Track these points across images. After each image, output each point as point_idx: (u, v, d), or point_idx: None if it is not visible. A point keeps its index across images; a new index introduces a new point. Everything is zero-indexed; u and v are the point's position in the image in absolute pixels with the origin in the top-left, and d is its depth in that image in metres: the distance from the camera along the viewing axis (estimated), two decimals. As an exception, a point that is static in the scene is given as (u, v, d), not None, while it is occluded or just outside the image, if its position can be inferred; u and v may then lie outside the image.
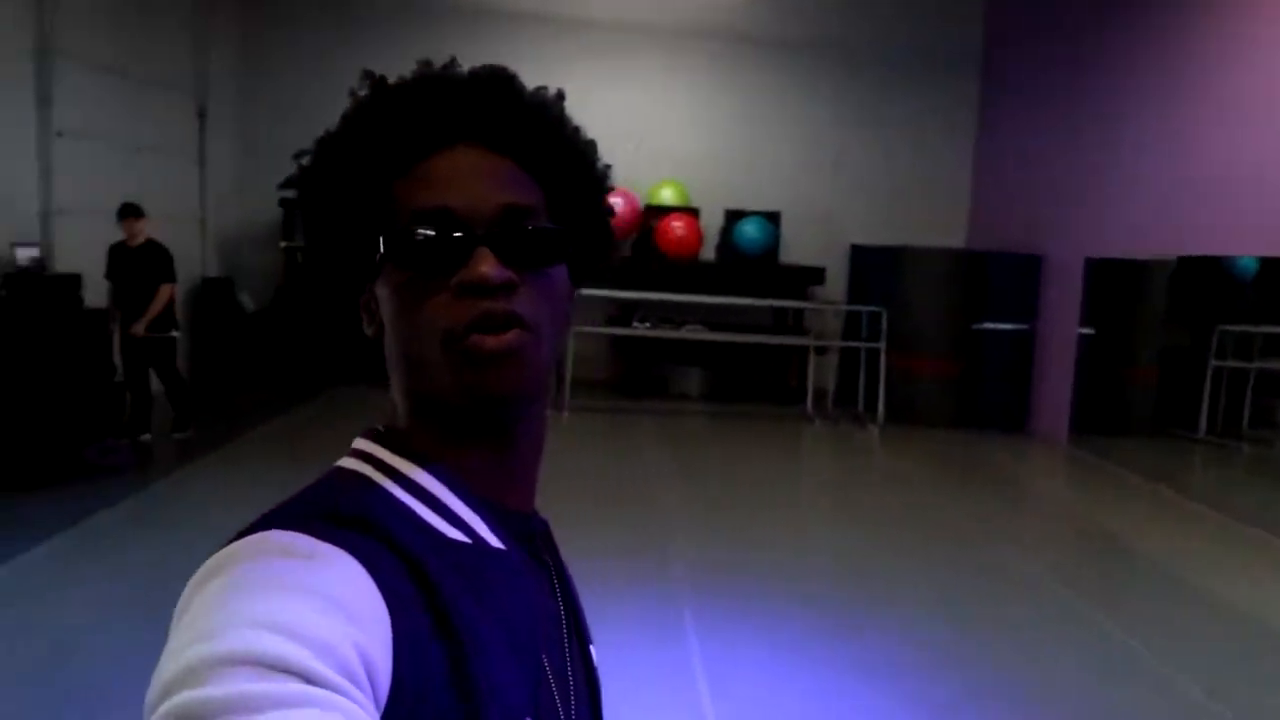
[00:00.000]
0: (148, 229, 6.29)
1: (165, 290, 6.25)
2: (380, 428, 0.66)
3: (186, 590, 0.50)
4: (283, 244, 8.94)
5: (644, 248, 9.36)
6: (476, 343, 0.58)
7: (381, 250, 0.61)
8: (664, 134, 9.72)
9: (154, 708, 0.42)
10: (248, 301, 9.31)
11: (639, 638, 3.63)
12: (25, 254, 6.03)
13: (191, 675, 0.42)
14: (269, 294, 9.20)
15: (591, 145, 0.70)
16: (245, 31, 9.44)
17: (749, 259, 9.36)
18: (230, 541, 0.53)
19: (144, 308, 6.18)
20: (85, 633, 3.44)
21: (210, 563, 0.51)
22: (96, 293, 6.36)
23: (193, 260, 8.69)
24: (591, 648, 0.73)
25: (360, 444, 0.65)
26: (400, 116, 0.62)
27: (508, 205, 0.61)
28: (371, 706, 0.46)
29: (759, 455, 7.37)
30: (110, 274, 6.24)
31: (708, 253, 9.63)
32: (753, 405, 8.92)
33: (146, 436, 6.32)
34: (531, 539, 0.67)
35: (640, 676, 3.28)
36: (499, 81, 0.65)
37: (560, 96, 0.69)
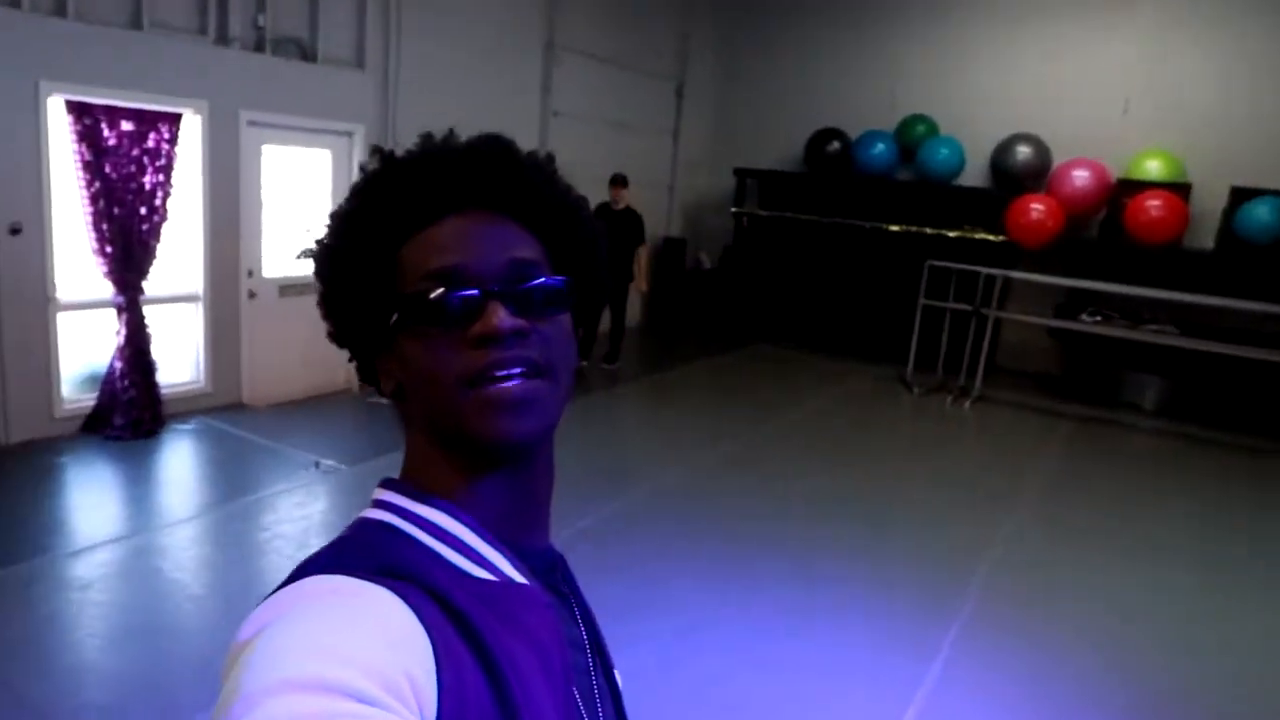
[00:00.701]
0: (628, 197, 7.48)
1: (643, 251, 7.43)
2: (398, 478, 0.70)
3: (236, 641, 0.52)
4: (733, 209, 9.77)
5: (1110, 229, 8.11)
6: (495, 390, 0.62)
7: (397, 313, 0.65)
8: (1158, 94, 8.21)
9: None
10: (706, 259, 10.43)
11: None
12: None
13: (247, 703, 0.45)
14: (718, 254, 10.16)
15: (583, 201, 0.75)
16: (722, 26, 10.36)
17: (1257, 250, 7.50)
18: (271, 595, 0.57)
19: (623, 264, 7.40)
20: None
21: (256, 613, 0.54)
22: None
23: (659, 222, 10.01)
24: (616, 673, 0.78)
25: (381, 494, 0.68)
26: (406, 186, 0.67)
27: (513, 260, 0.66)
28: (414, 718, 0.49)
29: (1236, 503, 5.61)
30: None
31: (1197, 239, 7.96)
32: (1227, 433, 7.21)
33: (583, 363, 7.66)
34: (551, 572, 0.72)
35: None
36: (496, 149, 0.70)
37: (551, 159, 0.75)
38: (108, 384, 5.08)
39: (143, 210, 5.08)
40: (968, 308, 7.61)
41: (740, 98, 10.42)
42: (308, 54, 5.92)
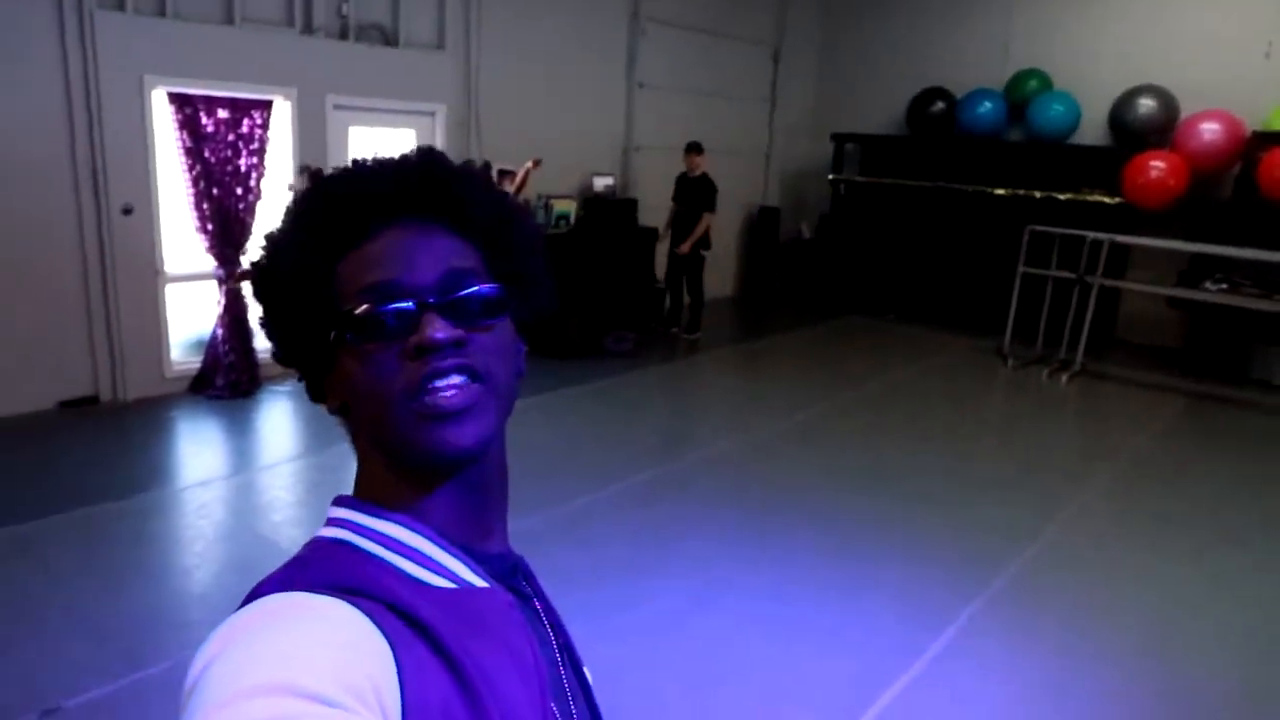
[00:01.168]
0: (708, 164, 7.46)
1: (706, 218, 7.42)
2: (352, 494, 0.69)
3: (197, 660, 0.52)
4: (830, 176, 9.52)
5: (1244, 188, 7.36)
6: (434, 401, 0.62)
7: (335, 330, 0.65)
8: (1308, 36, 7.34)
9: None
10: (806, 229, 10.23)
11: None
12: (601, 182, 7.79)
13: (212, 710, 0.45)
14: (815, 223, 9.95)
15: (520, 208, 0.77)
16: (832, -25, 10.04)
17: None
18: (229, 618, 0.56)
19: (690, 230, 7.45)
20: (580, 437, 5.32)
21: (217, 633, 0.53)
22: (651, 214, 7.87)
23: (754, 190, 9.90)
24: (585, 670, 0.78)
25: (336, 512, 0.68)
26: (336, 203, 0.67)
27: (448, 270, 0.66)
28: None
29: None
30: (674, 198, 7.64)
31: (1349, 197, 7.09)
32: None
33: (675, 330, 7.74)
34: (513, 574, 0.72)
35: None
36: (425, 160, 0.70)
37: (486, 166, 0.89)
38: (210, 349, 5.63)
39: (239, 190, 5.55)
40: (1071, 275, 7.14)
41: (840, 61, 10.10)
42: (390, 39, 6.25)
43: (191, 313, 5.67)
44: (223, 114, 5.44)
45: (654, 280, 7.94)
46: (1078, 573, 3.86)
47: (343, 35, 5.96)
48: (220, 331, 5.58)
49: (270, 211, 5.78)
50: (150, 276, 5.36)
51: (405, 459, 0.65)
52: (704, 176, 7.43)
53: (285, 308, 0.68)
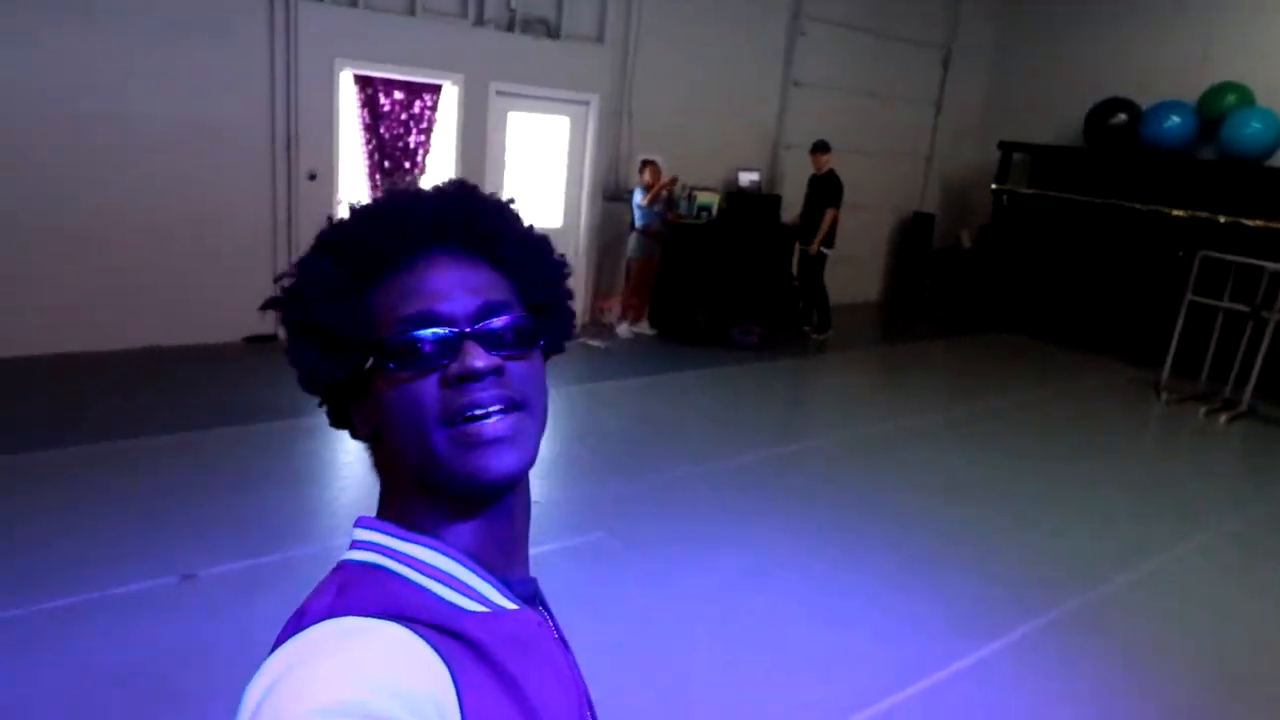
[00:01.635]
0: (830, 162, 7.49)
1: (829, 214, 7.43)
2: (376, 516, 0.70)
3: (250, 692, 0.52)
4: (993, 186, 9.17)
5: None
6: (477, 429, 0.63)
7: (373, 358, 0.66)
8: None
9: None
10: (966, 238, 9.91)
11: None
12: (747, 177, 7.94)
13: None
14: (974, 233, 9.61)
15: (546, 240, 0.77)
16: (1019, -24, 9.62)
17: None
18: (277, 643, 0.58)
19: (815, 228, 7.50)
20: (690, 417, 5.48)
21: (267, 665, 0.54)
22: (794, 212, 7.95)
23: (910, 195, 9.70)
24: (589, 692, 0.80)
25: (363, 535, 0.67)
26: (376, 232, 0.67)
27: (484, 301, 0.67)
28: None
29: None
30: (805, 199, 7.72)
31: None
32: None
33: (808, 328, 7.79)
34: (534, 598, 0.74)
35: None
36: (461, 193, 0.72)
37: (511, 201, 0.77)
38: (370, 304, 6.32)
39: (407, 164, 6.20)
40: (1245, 308, 6.57)
41: (1016, 66, 9.65)
42: (552, 31, 6.71)
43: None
44: (398, 95, 6.08)
45: (790, 277, 8.01)
46: (1157, 615, 3.68)
47: (509, 27, 6.47)
48: (379, 289, 6.25)
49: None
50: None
51: (443, 486, 0.65)
52: (830, 173, 7.44)
53: (317, 335, 0.68)
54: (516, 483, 0.67)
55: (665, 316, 7.36)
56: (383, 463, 0.70)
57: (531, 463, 0.67)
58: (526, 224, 0.76)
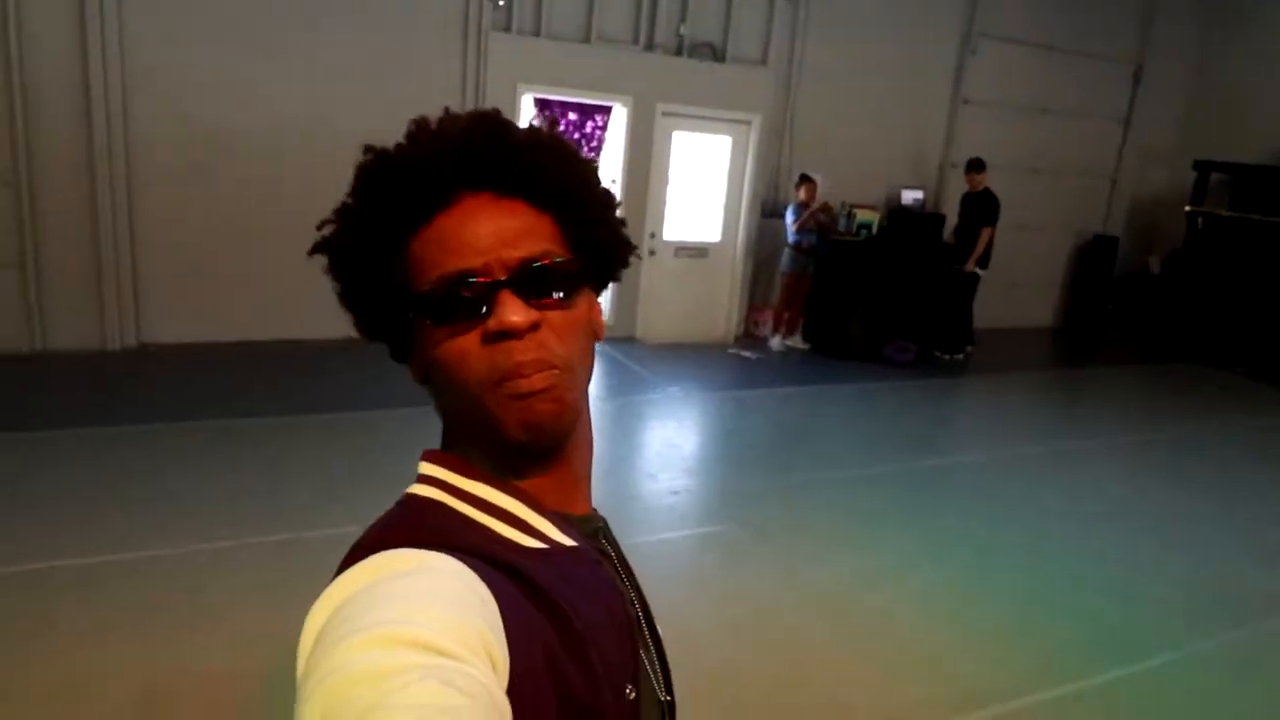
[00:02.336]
0: (985, 180, 7.33)
1: (985, 233, 7.26)
2: (441, 449, 0.71)
3: (313, 617, 0.54)
4: (1187, 208, 8.57)
5: None
6: (514, 387, 0.63)
7: (412, 310, 0.66)
8: None
9: (305, 705, 0.47)
10: (1155, 264, 9.30)
11: None
12: (910, 195, 7.89)
13: (336, 669, 0.47)
14: (1164, 257, 9.00)
15: (591, 166, 0.73)
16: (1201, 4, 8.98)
17: None
18: (338, 572, 0.58)
19: (969, 247, 7.35)
20: (830, 427, 5.34)
21: (329, 591, 0.55)
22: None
23: (1091, 217, 9.23)
24: (658, 626, 0.79)
25: (428, 468, 0.69)
26: (404, 179, 0.65)
27: (520, 245, 0.65)
28: (491, 674, 0.50)
29: None
30: (959, 216, 7.60)
31: None
32: None
33: (959, 356, 7.62)
34: (595, 536, 0.75)
35: None
36: (490, 129, 0.67)
37: (553, 124, 0.74)
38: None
39: (577, 180, 6.67)
40: None
41: (1215, 81, 9.00)
42: (718, 55, 7.02)
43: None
44: (573, 116, 6.59)
45: (951, 297, 7.85)
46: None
47: (677, 51, 6.84)
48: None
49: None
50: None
51: (490, 437, 0.66)
52: (985, 191, 7.27)
53: (360, 285, 0.68)
54: (555, 437, 0.66)
55: (819, 331, 7.43)
56: (438, 405, 0.70)
57: (575, 414, 0.67)
58: (570, 154, 0.71)
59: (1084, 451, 5.54)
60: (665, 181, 7.13)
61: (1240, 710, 2.97)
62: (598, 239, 0.71)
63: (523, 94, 6.39)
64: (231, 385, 5.32)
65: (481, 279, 0.63)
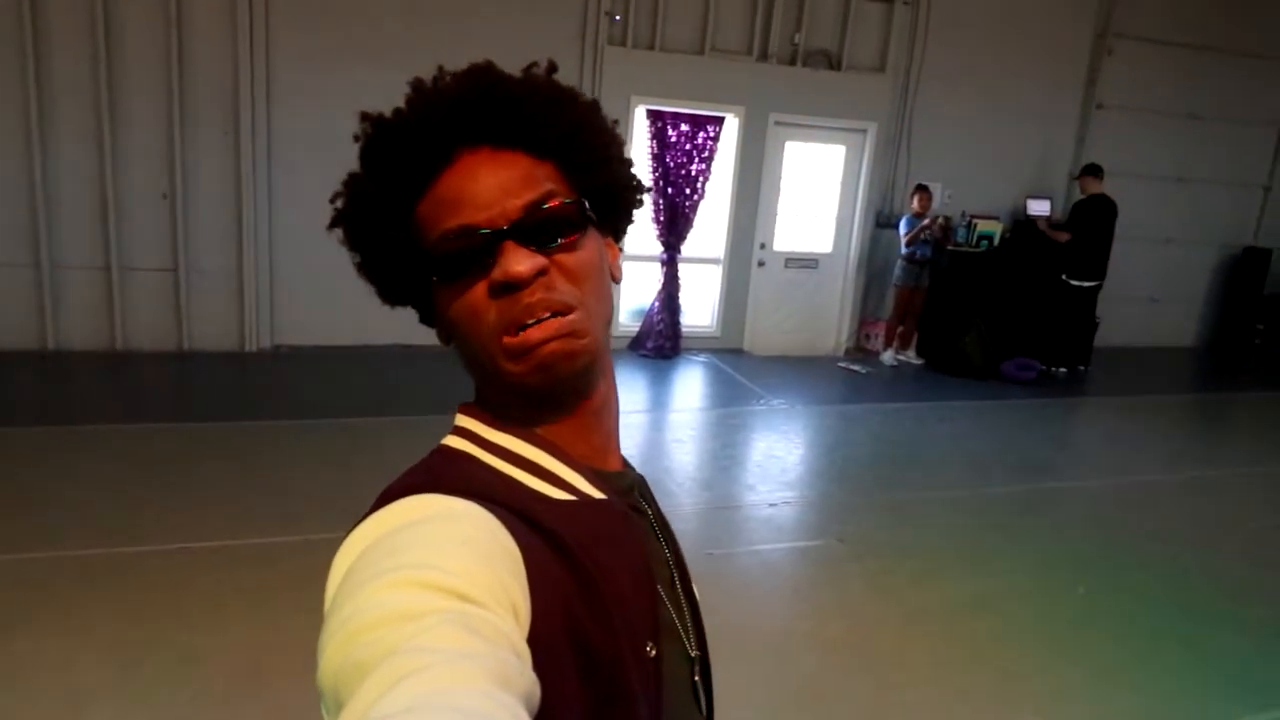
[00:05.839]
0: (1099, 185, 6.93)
1: (1060, 236, 6.99)
2: (474, 402, 0.72)
3: (341, 555, 0.55)
4: (1355, 219, 7.84)
5: None
6: (524, 338, 0.63)
7: (425, 271, 0.66)
8: None
9: (328, 645, 0.48)
10: (1313, 280, 8.56)
11: None
12: (1037, 206, 7.53)
13: (359, 610, 0.48)
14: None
15: (593, 107, 0.72)
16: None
17: None
18: (366, 515, 0.59)
19: (1080, 258, 6.97)
20: (935, 433, 5.40)
21: (358, 531, 0.57)
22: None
23: (1241, 229, 8.55)
24: (694, 587, 0.79)
25: (461, 420, 0.71)
26: (401, 143, 0.66)
27: (521, 194, 0.64)
28: (513, 622, 0.51)
29: None
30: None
31: None
32: None
33: (1062, 371, 7.22)
34: (629, 491, 0.74)
35: None
36: (482, 82, 0.67)
37: (552, 69, 0.72)
38: (647, 318, 6.90)
39: (688, 190, 6.72)
40: None
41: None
42: (834, 63, 6.92)
43: (638, 287, 6.99)
44: (684, 127, 6.64)
45: (1079, 313, 7.45)
46: None
47: (792, 61, 6.80)
48: (657, 305, 6.82)
49: (708, 210, 6.87)
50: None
51: (511, 389, 0.67)
52: (1095, 197, 6.93)
53: (376, 253, 0.69)
54: (572, 381, 0.67)
55: (934, 346, 7.19)
56: (464, 364, 0.71)
57: (589, 355, 0.66)
58: (567, 97, 0.70)
59: (1217, 481, 5.14)
60: (777, 192, 7.08)
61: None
62: (602, 181, 0.70)
63: (636, 106, 6.49)
64: (355, 384, 5.64)
65: (484, 231, 0.63)
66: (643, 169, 6.63)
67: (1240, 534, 4.39)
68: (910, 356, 7.26)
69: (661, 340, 6.80)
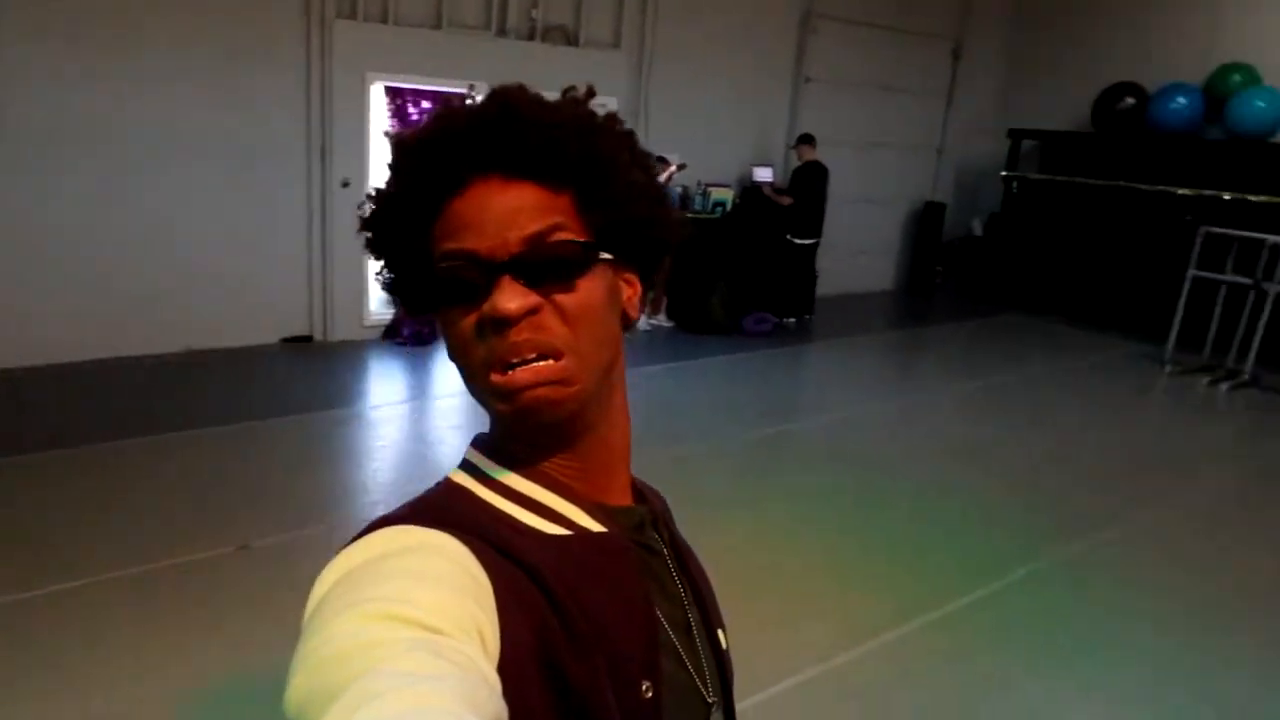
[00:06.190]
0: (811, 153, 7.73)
1: (784, 201, 7.78)
2: (487, 433, 0.73)
3: (317, 587, 0.56)
4: (1002, 174, 9.37)
5: None
6: (509, 379, 0.62)
7: (425, 290, 0.66)
8: None
9: (297, 672, 0.49)
10: (978, 226, 10.12)
11: None
12: (762, 173, 8.22)
13: (329, 639, 0.49)
14: (985, 220, 9.81)
15: (622, 140, 0.70)
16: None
17: None
18: (351, 543, 0.60)
19: (800, 218, 7.77)
20: (694, 390, 5.41)
21: (336, 561, 0.58)
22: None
23: (922, 186, 9.92)
24: (720, 631, 0.77)
25: (469, 454, 0.71)
26: (414, 166, 0.66)
27: (528, 237, 0.63)
28: (482, 653, 0.52)
29: None
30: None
31: None
32: None
33: (791, 321, 8.04)
34: (639, 527, 0.73)
35: None
36: (500, 110, 0.65)
37: (590, 94, 0.71)
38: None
39: (435, 170, 6.55)
40: (1247, 281, 6.74)
41: (1025, 56, 9.86)
42: (571, 39, 7.04)
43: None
44: (425, 104, 6.45)
45: (802, 268, 8.27)
46: (1148, 563, 3.93)
47: (530, 36, 6.81)
48: (412, 288, 6.60)
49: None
50: (359, 243, 6.44)
51: (502, 423, 0.68)
52: (810, 163, 7.68)
53: (390, 267, 0.70)
54: (568, 426, 0.66)
55: (682, 308, 7.66)
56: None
57: (579, 405, 0.65)
58: (592, 127, 0.67)
59: (934, 404, 6.03)
60: (525, 168, 7.10)
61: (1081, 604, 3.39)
62: (623, 215, 0.67)
63: (372, 83, 6.19)
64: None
65: (481, 260, 0.62)
66: (382, 150, 6.35)
67: (946, 441, 5.19)
68: (662, 320, 7.67)
69: (417, 327, 6.60)
